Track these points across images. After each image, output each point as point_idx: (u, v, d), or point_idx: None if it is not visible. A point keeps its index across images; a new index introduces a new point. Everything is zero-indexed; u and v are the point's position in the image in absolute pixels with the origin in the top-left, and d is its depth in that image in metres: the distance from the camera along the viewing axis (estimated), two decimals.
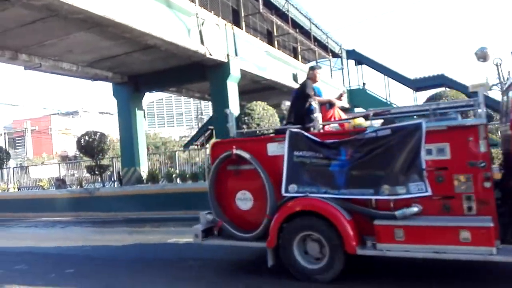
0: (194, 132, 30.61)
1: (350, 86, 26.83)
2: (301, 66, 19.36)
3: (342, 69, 27.11)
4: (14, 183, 19.58)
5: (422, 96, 23.98)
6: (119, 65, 13.55)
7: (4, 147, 25.41)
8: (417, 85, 25.32)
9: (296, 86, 17.97)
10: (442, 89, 18.11)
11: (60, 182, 16.48)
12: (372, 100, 25.41)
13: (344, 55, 27.24)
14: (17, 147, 37.79)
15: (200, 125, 33.83)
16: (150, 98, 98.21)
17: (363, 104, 23.35)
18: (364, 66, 27.41)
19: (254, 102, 12.50)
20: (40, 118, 40.05)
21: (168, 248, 7.70)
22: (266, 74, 15.23)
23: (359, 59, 27.45)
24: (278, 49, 17.75)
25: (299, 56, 21.07)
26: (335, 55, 25.98)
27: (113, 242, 8.59)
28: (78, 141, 15.13)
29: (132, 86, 15.05)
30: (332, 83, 23.56)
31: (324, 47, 23.95)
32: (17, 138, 40.04)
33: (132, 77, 14.84)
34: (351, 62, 27.92)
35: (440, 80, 23.99)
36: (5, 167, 19.19)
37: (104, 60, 12.84)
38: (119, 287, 5.36)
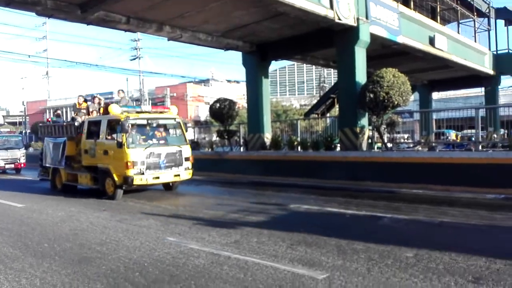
0: (315, 100, 30.32)
1: (497, 50, 23.20)
2: (439, 28, 17.39)
3: (489, 30, 23.41)
4: None
5: None
6: (248, 34, 14.00)
7: None
8: None
9: (432, 50, 16.27)
10: None
11: (194, 145, 18.12)
12: None
13: (492, 14, 23.45)
14: None
15: (321, 93, 33.32)
16: (273, 66, 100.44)
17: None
18: None
19: (384, 69, 11.69)
20: (177, 86, 44.15)
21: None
22: (399, 38, 14.08)
23: (511, 18, 23.31)
24: (413, 9, 16.16)
25: (438, 17, 18.89)
26: (481, 14, 22.52)
27: (241, 203, 9.23)
28: (210, 107, 16.32)
29: (259, 55, 15.47)
30: (476, 46, 20.71)
31: (468, 5, 20.92)
32: (158, 103, 45.08)
33: (260, 45, 15.22)
34: (500, 22, 23.92)
35: None
36: None
37: (236, 29, 13.41)
38: None
